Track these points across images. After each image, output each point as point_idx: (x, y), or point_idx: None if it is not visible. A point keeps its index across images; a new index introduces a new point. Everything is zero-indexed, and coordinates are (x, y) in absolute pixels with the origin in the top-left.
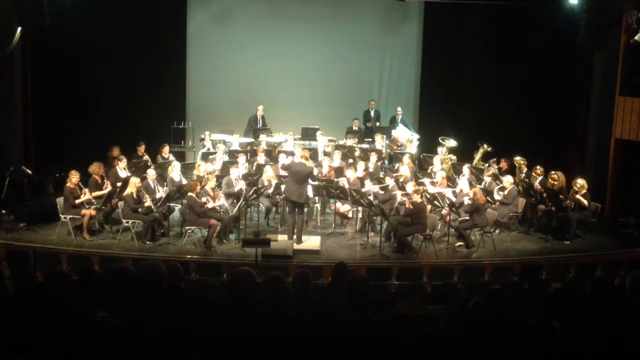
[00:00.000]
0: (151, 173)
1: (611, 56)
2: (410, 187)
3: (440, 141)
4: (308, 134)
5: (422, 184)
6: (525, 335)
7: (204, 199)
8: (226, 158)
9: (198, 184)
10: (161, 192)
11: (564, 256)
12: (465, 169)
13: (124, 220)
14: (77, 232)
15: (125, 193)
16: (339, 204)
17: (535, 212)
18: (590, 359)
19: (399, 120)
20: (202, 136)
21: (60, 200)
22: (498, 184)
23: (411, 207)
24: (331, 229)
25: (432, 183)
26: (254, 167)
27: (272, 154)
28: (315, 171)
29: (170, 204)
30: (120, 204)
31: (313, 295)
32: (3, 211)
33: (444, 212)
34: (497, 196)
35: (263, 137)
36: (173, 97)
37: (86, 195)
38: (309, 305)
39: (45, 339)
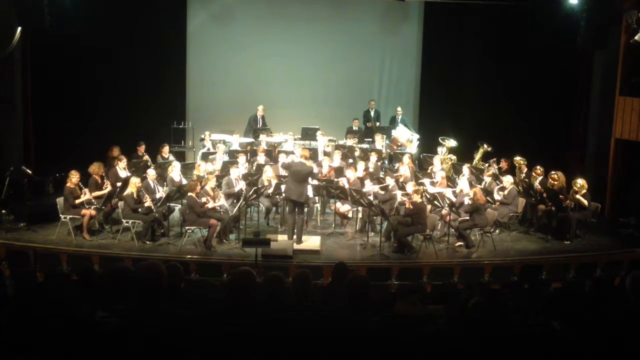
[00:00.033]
0: (151, 173)
1: (611, 56)
2: (410, 187)
3: (440, 141)
4: (308, 134)
5: (422, 184)
6: (525, 335)
7: (204, 199)
8: (226, 158)
9: (198, 184)
10: (161, 192)
11: (564, 256)
12: (465, 169)
13: (124, 220)
14: (77, 232)
15: (125, 193)
16: (339, 204)
17: (535, 212)
18: (590, 359)
19: (399, 120)
20: (202, 136)
21: (60, 200)
22: (498, 184)
23: (411, 207)
24: (331, 229)
25: (432, 183)
26: (254, 167)
27: (272, 154)
28: (315, 170)
29: (170, 204)
30: (120, 204)
31: (313, 295)
32: (3, 211)
33: (444, 212)
34: (497, 196)
35: (263, 137)
36: (173, 97)
37: (86, 195)
38: (309, 305)
39: (45, 339)
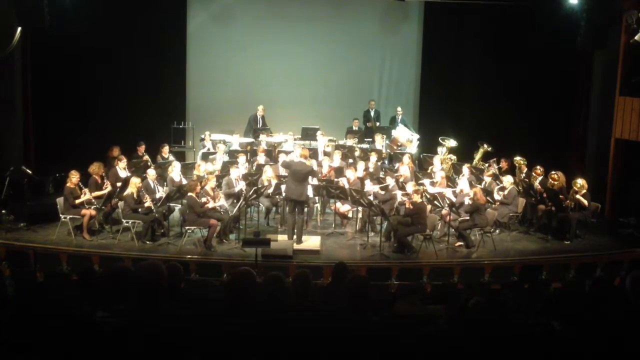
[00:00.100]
0: (151, 173)
1: (611, 56)
2: (410, 187)
3: (440, 141)
4: (308, 134)
5: (422, 184)
6: (525, 335)
7: (204, 199)
8: (226, 158)
9: (198, 184)
10: (161, 192)
11: (564, 256)
12: (465, 169)
13: (124, 220)
14: (77, 232)
15: (125, 193)
16: (339, 204)
17: (535, 212)
18: (590, 359)
19: (399, 120)
20: (202, 136)
21: (60, 200)
22: (498, 184)
23: (411, 207)
24: (331, 229)
25: (432, 183)
26: (254, 167)
27: (272, 154)
28: (315, 168)
29: (170, 204)
30: (120, 204)
31: (313, 295)
32: (3, 211)
33: (444, 212)
34: (497, 196)
35: (263, 137)
36: (173, 97)
37: (86, 195)
38: (309, 305)
39: (45, 339)
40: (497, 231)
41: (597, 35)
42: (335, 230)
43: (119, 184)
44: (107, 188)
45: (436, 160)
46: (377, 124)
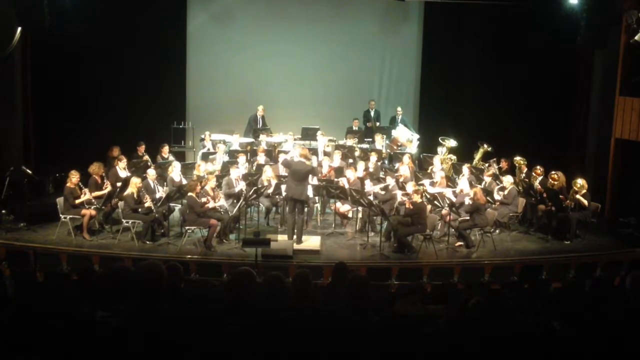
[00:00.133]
0: (151, 173)
1: (611, 56)
2: (410, 187)
3: (440, 141)
4: (308, 134)
5: (422, 184)
6: (525, 335)
7: (204, 199)
8: (226, 158)
9: (198, 184)
10: (161, 192)
11: (564, 256)
12: (465, 168)
13: (124, 220)
14: (77, 232)
15: (125, 193)
16: (339, 204)
17: (535, 212)
18: (590, 359)
19: (399, 120)
20: (202, 136)
21: (60, 200)
22: (498, 184)
23: (411, 207)
24: (331, 229)
25: (432, 183)
26: (254, 167)
27: (272, 154)
28: (316, 164)
29: (171, 204)
30: (121, 204)
31: (313, 295)
32: (3, 211)
33: (444, 212)
34: (497, 196)
35: (263, 137)
36: (173, 97)
37: (86, 195)
38: (309, 305)
39: (45, 339)
40: (497, 231)
41: (597, 35)
42: (335, 230)
43: (119, 184)
44: (107, 188)
45: (436, 160)
46: (377, 124)
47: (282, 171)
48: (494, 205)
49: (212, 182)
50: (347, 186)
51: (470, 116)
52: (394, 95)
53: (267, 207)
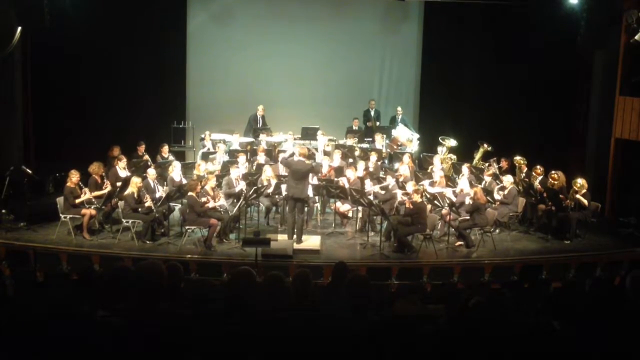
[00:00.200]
0: (151, 172)
1: (611, 56)
2: (410, 186)
3: (441, 141)
4: (308, 133)
5: (422, 184)
6: (525, 335)
7: (203, 199)
8: (226, 158)
9: (198, 183)
10: (161, 192)
11: (564, 256)
12: (465, 168)
13: (124, 220)
14: (77, 231)
15: (126, 193)
16: (339, 204)
17: (535, 211)
18: (590, 359)
19: (399, 120)
20: (202, 136)
21: (60, 200)
22: (498, 184)
23: (411, 206)
24: (331, 229)
25: (431, 183)
26: (254, 167)
27: (272, 153)
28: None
29: (171, 204)
30: (121, 203)
31: (313, 295)
32: (3, 211)
33: (444, 211)
34: (497, 196)
35: (263, 137)
36: (173, 97)
37: (86, 194)
38: (309, 305)
39: (45, 339)
40: (497, 231)
41: (597, 35)
42: (335, 229)
43: (119, 184)
44: (107, 188)
45: (436, 159)
46: (377, 123)
47: (282, 171)
48: (494, 205)
49: (212, 182)
50: (347, 186)
51: (470, 116)
52: (394, 95)
53: (267, 206)
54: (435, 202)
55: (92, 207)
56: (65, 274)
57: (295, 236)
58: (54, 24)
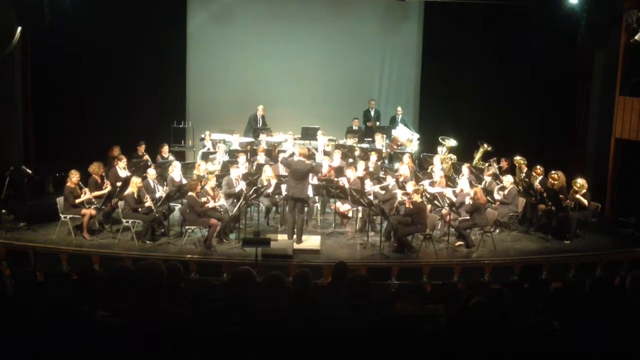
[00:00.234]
0: (151, 172)
1: (611, 56)
2: (410, 186)
3: (441, 141)
4: (308, 133)
5: (421, 185)
6: (525, 335)
7: (203, 199)
8: (226, 158)
9: (199, 183)
10: (161, 192)
11: (564, 256)
12: (465, 168)
13: (124, 220)
14: (77, 231)
15: (126, 193)
16: (339, 204)
17: (535, 211)
18: (590, 359)
19: (399, 120)
20: (202, 136)
21: (60, 200)
22: (498, 184)
23: (411, 206)
24: (331, 229)
25: (431, 183)
26: (254, 167)
27: (272, 153)
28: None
29: (171, 204)
30: (121, 203)
31: (313, 295)
32: (3, 211)
33: (444, 211)
34: (497, 196)
35: (263, 137)
36: (173, 97)
37: (86, 194)
38: (309, 305)
39: (45, 339)
40: (497, 231)
41: (597, 35)
42: (335, 229)
43: (119, 184)
44: (107, 188)
45: (436, 159)
46: (377, 123)
47: (282, 171)
48: (494, 205)
49: (212, 182)
50: (347, 186)
51: (470, 116)
52: (394, 95)
53: (267, 206)
54: (435, 202)
55: (92, 207)
56: (66, 273)
57: (295, 236)
58: (54, 24)
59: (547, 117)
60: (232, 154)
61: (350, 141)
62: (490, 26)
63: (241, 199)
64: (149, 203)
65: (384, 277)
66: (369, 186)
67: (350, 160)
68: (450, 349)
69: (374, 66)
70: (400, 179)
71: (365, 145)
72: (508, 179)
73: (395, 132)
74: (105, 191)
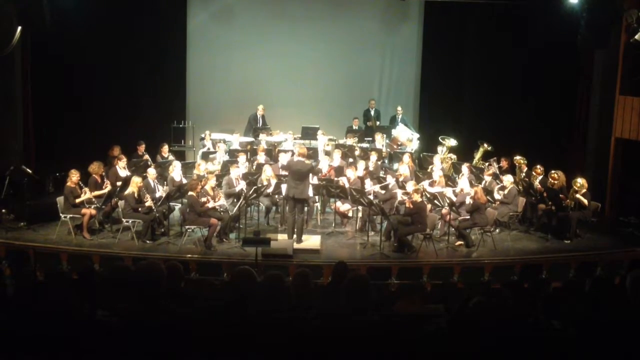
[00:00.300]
0: (151, 172)
1: (611, 56)
2: (410, 186)
3: (441, 140)
4: (308, 133)
5: (421, 185)
6: (525, 335)
7: (203, 199)
8: (226, 157)
9: (199, 183)
10: (161, 192)
11: (564, 255)
12: (464, 168)
13: (124, 220)
14: (77, 231)
15: (126, 192)
16: (339, 203)
17: (535, 211)
18: (590, 359)
19: (399, 120)
20: (202, 135)
21: (60, 200)
22: (498, 183)
23: (411, 206)
24: (331, 228)
25: (431, 183)
26: (254, 167)
27: (272, 153)
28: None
29: (171, 203)
30: (121, 203)
31: (313, 295)
32: (3, 210)
33: (444, 211)
34: (498, 195)
35: (263, 137)
36: (173, 96)
37: (86, 194)
38: (309, 305)
39: (45, 339)
40: (497, 230)
41: (597, 35)
42: (336, 229)
43: (119, 184)
44: (107, 187)
45: (436, 159)
46: (377, 123)
47: (282, 171)
48: (494, 205)
49: (212, 182)
50: (347, 185)
51: (470, 115)
52: (394, 95)
53: (267, 206)
54: (435, 201)
55: (92, 206)
56: (66, 273)
57: (295, 236)
58: (54, 24)
59: (547, 117)
60: (232, 154)
61: (350, 141)
62: (490, 26)
63: (241, 199)
64: (149, 203)
65: (384, 277)
66: (369, 186)
67: (350, 159)
68: (450, 349)
69: (374, 66)
70: (400, 179)
71: (365, 145)
72: (508, 179)
73: (395, 132)
74: (105, 191)
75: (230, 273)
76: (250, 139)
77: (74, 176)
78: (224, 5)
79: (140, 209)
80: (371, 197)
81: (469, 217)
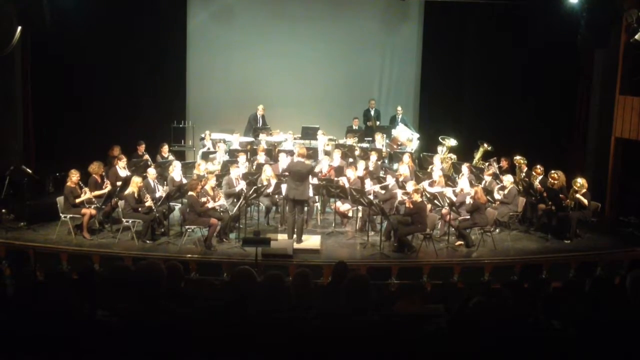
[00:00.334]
0: (151, 172)
1: (611, 55)
2: (410, 186)
3: (441, 140)
4: (308, 133)
5: (421, 185)
6: (525, 335)
7: (203, 199)
8: (226, 157)
9: (199, 183)
10: (161, 192)
11: (564, 255)
12: (464, 168)
13: (124, 220)
14: (77, 231)
15: (126, 192)
16: (339, 203)
17: (535, 211)
18: (590, 359)
19: (399, 120)
20: (202, 135)
21: (60, 200)
22: (498, 183)
23: (411, 206)
24: (331, 228)
25: (430, 183)
26: (254, 167)
27: (272, 153)
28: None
29: (171, 203)
30: (121, 203)
31: (313, 295)
32: (3, 210)
33: (444, 211)
34: (498, 195)
35: (263, 137)
36: (173, 96)
37: (86, 194)
38: (309, 305)
39: (45, 339)
40: (497, 230)
41: (597, 35)
42: (336, 229)
43: (119, 183)
44: (107, 187)
45: (436, 159)
46: (377, 123)
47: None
48: (494, 205)
49: (212, 182)
50: (347, 185)
51: (470, 115)
52: (394, 95)
53: (267, 206)
54: (435, 201)
55: (92, 206)
56: (66, 273)
57: (295, 236)
58: (54, 24)
59: (547, 117)
60: (232, 154)
61: (350, 141)
62: (490, 26)
63: (241, 199)
64: (149, 203)
65: (384, 277)
66: (369, 186)
67: (350, 159)
68: (450, 349)
69: (374, 66)
70: (400, 179)
71: (365, 145)
72: (508, 179)
73: (395, 132)
74: (105, 191)
75: (230, 273)
76: (250, 139)
77: (74, 176)
78: (224, 5)
79: (140, 209)
80: (371, 197)
81: (469, 217)
